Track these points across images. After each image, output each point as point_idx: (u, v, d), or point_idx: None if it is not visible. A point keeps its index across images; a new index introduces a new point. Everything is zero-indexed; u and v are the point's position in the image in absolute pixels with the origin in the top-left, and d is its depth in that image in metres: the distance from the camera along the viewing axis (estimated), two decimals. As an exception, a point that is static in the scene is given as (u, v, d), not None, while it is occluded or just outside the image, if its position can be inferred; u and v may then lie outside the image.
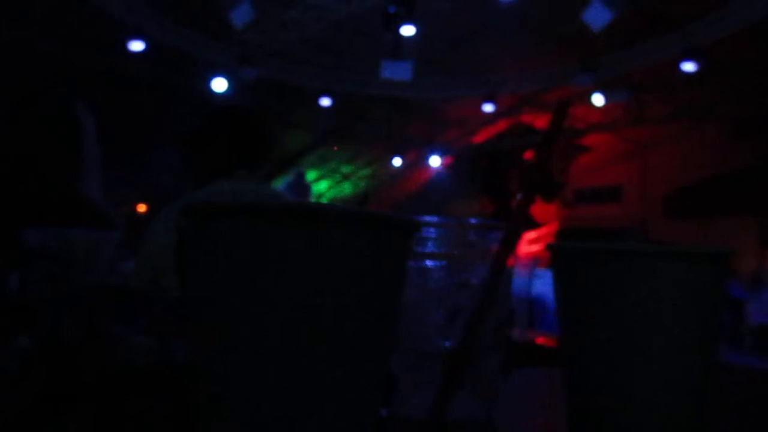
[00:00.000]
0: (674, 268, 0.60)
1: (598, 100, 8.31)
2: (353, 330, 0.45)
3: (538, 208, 5.16)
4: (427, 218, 0.71)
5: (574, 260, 0.65)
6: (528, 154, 5.84)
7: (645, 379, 0.60)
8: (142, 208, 10.63)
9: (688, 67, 7.06)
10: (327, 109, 8.80)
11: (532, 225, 5.18)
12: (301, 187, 8.06)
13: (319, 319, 0.44)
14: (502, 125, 10.20)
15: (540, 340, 1.40)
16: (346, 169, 12.48)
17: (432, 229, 0.72)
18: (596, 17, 6.05)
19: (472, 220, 0.77)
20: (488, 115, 9.39)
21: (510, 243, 0.66)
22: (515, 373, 1.09)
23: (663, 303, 0.59)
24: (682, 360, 0.61)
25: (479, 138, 10.88)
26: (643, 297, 0.59)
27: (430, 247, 0.72)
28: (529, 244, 4.97)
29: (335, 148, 11.22)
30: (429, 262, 0.72)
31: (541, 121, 9.28)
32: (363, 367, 0.46)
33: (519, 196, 0.80)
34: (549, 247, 0.70)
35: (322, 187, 12.43)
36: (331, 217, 0.44)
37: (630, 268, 0.61)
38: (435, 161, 11.26)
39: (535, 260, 4.85)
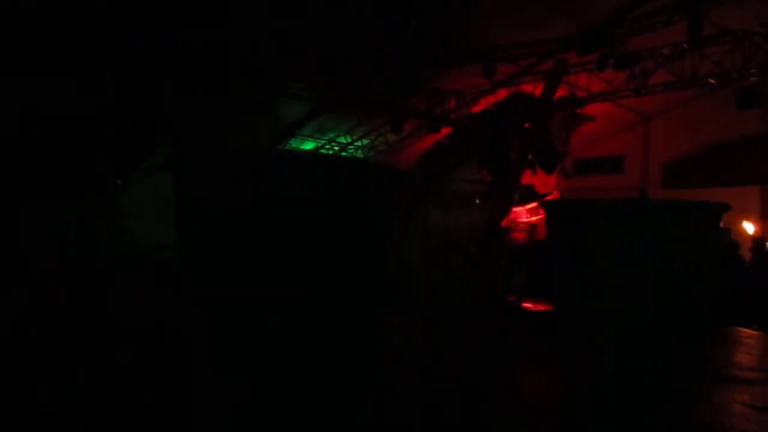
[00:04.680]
0: (662, 220, 0.58)
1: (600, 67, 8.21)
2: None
3: (539, 179, 5.11)
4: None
5: (568, 215, 0.62)
6: (528, 124, 5.78)
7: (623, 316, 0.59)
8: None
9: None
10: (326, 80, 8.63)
11: (533, 196, 5.13)
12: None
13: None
14: (502, 95, 10.08)
15: (527, 305, 1.40)
16: (343, 140, 12.41)
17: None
18: None
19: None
20: (487, 84, 9.25)
21: (505, 205, 0.62)
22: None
23: (647, 251, 0.57)
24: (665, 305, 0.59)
25: (478, 108, 10.77)
26: (633, 245, 0.57)
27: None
28: (530, 214, 4.95)
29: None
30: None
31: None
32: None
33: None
34: (544, 204, 0.66)
35: (320, 159, 12.40)
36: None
37: (621, 219, 0.58)
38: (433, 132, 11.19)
39: (534, 229, 4.84)
